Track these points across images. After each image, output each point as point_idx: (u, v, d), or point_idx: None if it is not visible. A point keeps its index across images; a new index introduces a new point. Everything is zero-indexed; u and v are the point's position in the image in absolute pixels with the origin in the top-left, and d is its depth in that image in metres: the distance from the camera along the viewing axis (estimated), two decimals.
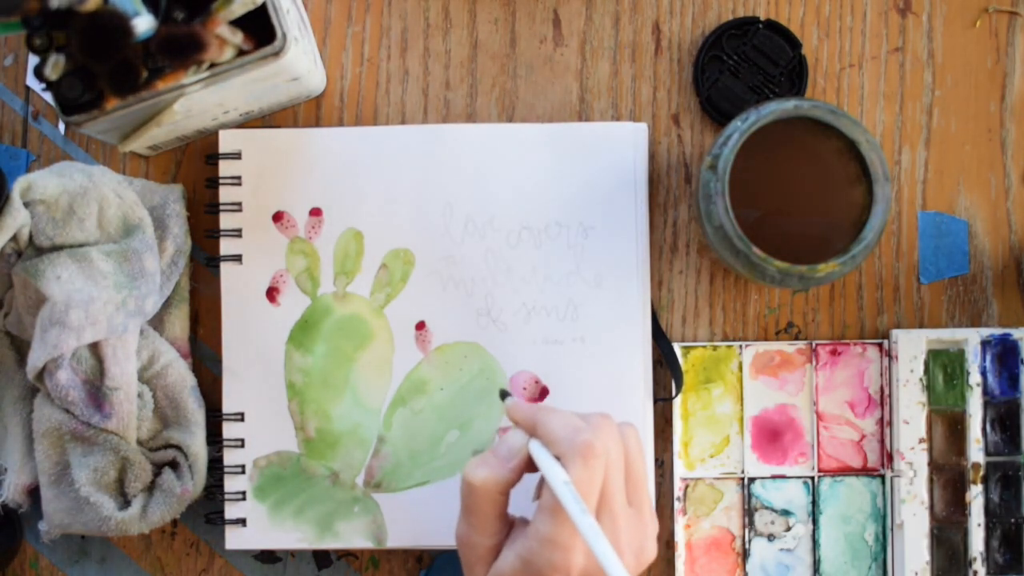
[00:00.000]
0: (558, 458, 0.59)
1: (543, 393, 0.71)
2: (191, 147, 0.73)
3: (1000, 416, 0.71)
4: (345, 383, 0.71)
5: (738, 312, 0.73)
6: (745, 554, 0.72)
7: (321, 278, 0.72)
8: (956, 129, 0.73)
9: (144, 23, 0.60)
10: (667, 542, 0.72)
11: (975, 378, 0.71)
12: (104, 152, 0.74)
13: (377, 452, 0.71)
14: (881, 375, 0.72)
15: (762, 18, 0.72)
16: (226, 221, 0.72)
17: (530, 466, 0.62)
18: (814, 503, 0.72)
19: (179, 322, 0.72)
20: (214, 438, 0.71)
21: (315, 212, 0.72)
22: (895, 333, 0.71)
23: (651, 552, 0.62)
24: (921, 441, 0.70)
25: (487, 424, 0.71)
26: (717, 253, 0.66)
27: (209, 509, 0.72)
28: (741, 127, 0.64)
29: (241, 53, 0.64)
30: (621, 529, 0.60)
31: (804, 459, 0.72)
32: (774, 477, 0.72)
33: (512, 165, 0.71)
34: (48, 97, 0.73)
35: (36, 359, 0.67)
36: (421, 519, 0.71)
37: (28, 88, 0.74)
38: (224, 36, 0.62)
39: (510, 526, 0.63)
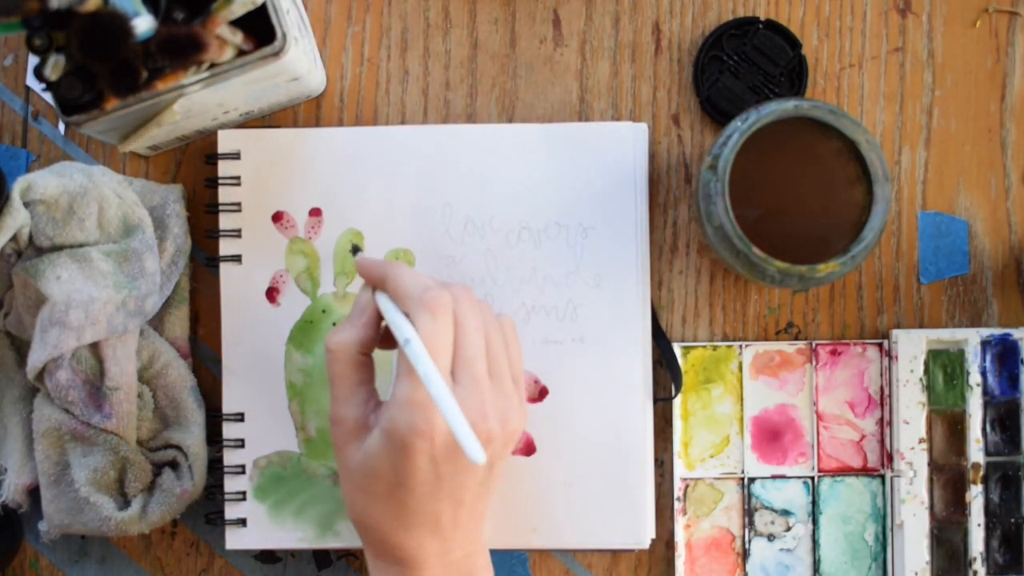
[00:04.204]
0: (408, 315, 0.58)
1: (542, 393, 0.71)
2: (191, 147, 0.73)
3: (1000, 416, 0.71)
4: None
5: (738, 312, 0.73)
6: (745, 554, 0.72)
7: (321, 278, 0.72)
8: (956, 129, 0.73)
9: (144, 23, 0.60)
10: (667, 542, 0.72)
11: (975, 378, 0.71)
12: (104, 152, 0.74)
13: None
14: (881, 375, 0.72)
15: (762, 18, 0.72)
16: (225, 221, 0.72)
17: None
18: (814, 503, 0.72)
19: (179, 322, 0.72)
20: (214, 438, 0.71)
21: (315, 212, 0.72)
22: (895, 333, 0.71)
23: (517, 423, 0.61)
24: (921, 441, 0.70)
25: None
26: (717, 253, 0.66)
27: (209, 509, 0.72)
28: (741, 127, 0.64)
29: (241, 53, 0.64)
30: (486, 393, 0.59)
31: (804, 459, 0.72)
32: (774, 477, 0.72)
33: (512, 165, 0.71)
34: (48, 97, 0.73)
35: (36, 359, 0.67)
36: None
37: (28, 88, 0.74)
38: (224, 36, 0.62)
39: (378, 405, 0.62)
